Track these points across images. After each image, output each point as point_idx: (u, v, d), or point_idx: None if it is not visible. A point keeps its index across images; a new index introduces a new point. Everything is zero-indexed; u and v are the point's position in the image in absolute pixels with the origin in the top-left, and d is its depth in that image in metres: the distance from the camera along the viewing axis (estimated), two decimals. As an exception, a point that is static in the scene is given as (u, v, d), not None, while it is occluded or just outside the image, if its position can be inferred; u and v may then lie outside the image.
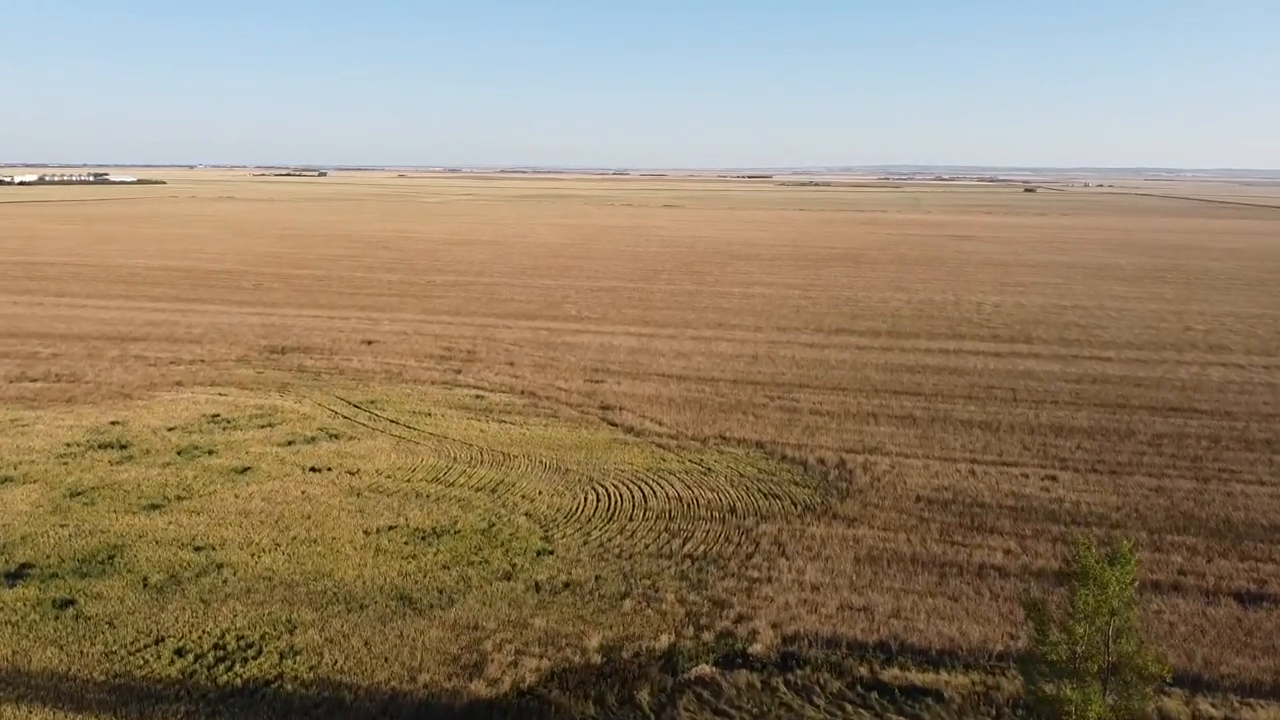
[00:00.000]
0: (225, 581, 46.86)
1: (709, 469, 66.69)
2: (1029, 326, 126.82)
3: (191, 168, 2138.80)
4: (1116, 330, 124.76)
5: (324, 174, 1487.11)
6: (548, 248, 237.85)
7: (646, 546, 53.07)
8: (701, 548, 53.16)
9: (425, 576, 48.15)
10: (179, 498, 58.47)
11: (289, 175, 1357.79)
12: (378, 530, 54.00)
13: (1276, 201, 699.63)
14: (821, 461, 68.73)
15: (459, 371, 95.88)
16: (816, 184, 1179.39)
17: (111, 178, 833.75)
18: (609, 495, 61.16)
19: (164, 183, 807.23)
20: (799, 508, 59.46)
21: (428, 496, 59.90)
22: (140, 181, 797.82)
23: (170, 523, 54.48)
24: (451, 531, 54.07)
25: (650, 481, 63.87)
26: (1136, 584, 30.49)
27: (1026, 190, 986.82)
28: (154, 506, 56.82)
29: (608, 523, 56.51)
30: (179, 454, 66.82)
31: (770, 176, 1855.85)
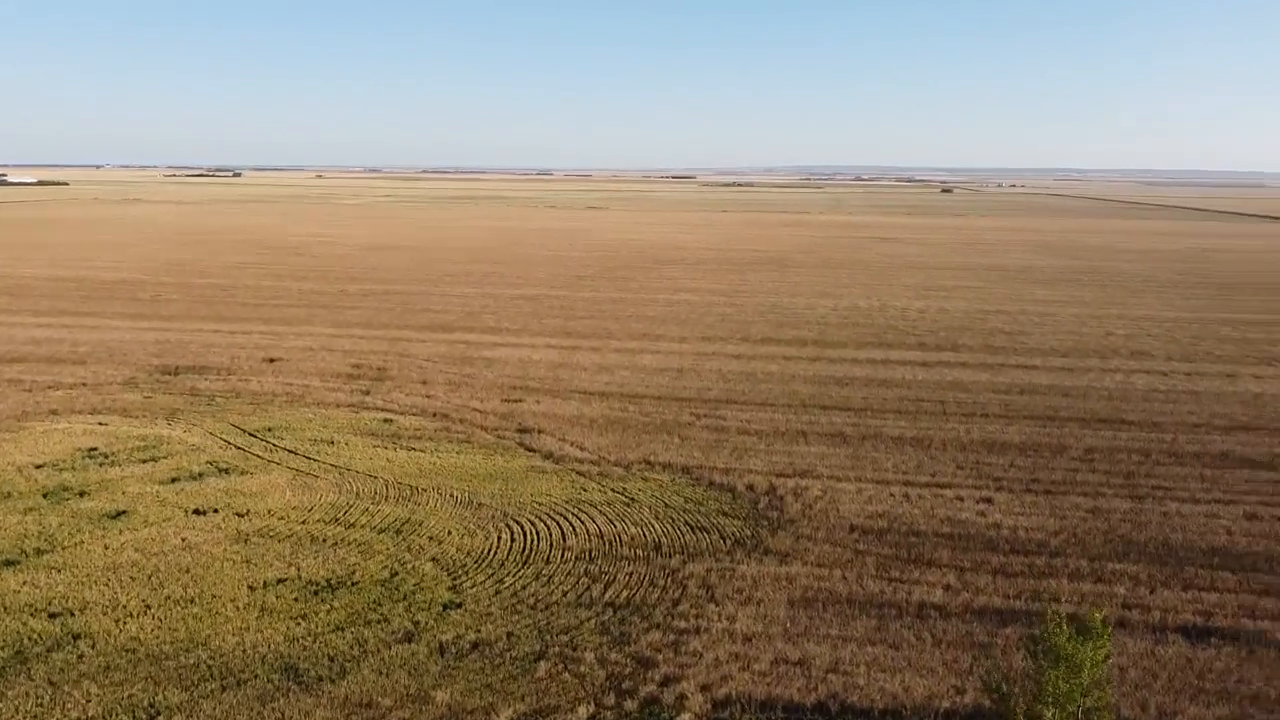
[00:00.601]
0: (81, 657, 41.05)
1: (633, 499, 62.63)
2: (954, 334, 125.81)
3: (98, 168, 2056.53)
4: (1040, 336, 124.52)
5: (239, 174, 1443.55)
6: (468, 253, 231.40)
7: (564, 594, 48.73)
8: (624, 594, 49.04)
9: (315, 641, 43.02)
10: (39, 551, 52.09)
11: (202, 176, 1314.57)
12: (265, 584, 48.57)
13: (1178, 202, 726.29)
14: (751, 487, 65.24)
15: (367, 392, 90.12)
16: (740, 184, 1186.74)
17: (10, 179, 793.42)
18: (525, 533, 56.64)
19: (67, 184, 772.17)
20: (728, 543, 55.76)
21: (324, 541, 54.57)
22: (41, 183, 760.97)
23: (25, 583, 48.22)
24: (349, 584, 48.95)
25: (570, 515, 59.54)
26: (1110, 659, 27.47)
27: (944, 191, 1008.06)
28: (8, 563, 50.41)
29: (523, 566, 51.99)
30: (45, 497, 60.12)
31: (694, 177, 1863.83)
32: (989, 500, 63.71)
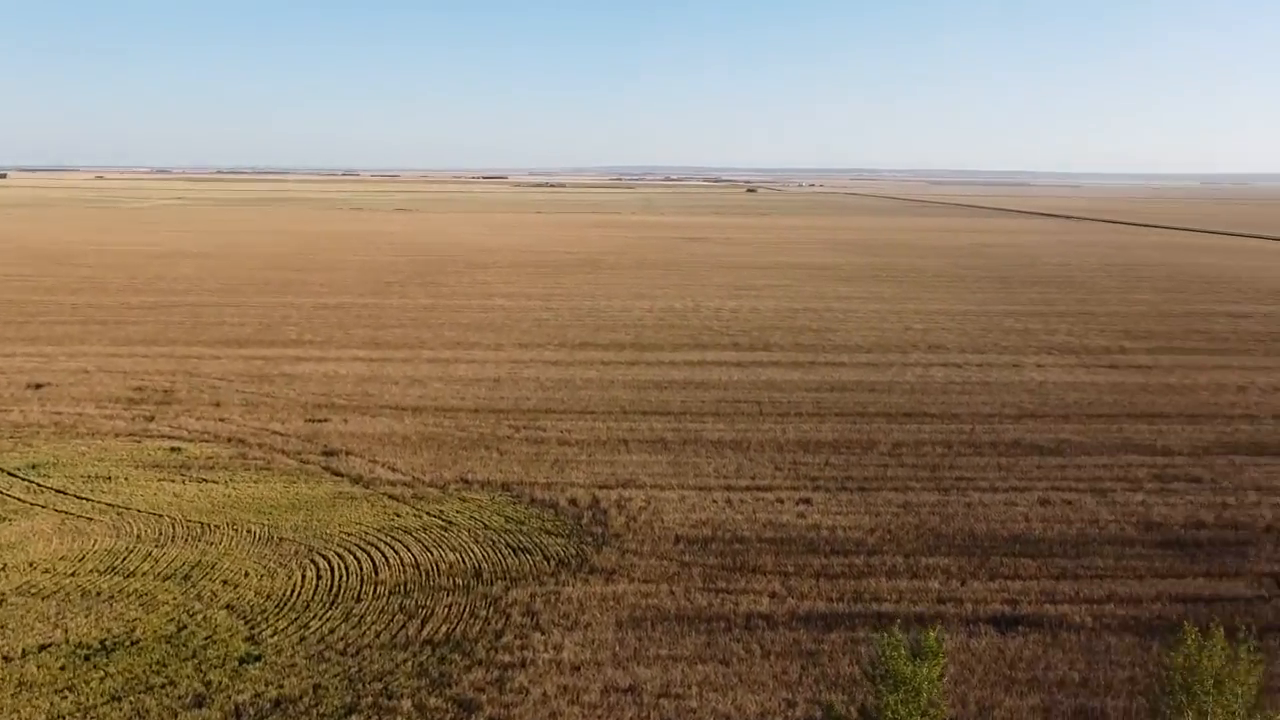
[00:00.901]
0: None
1: (450, 522, 59.45)
2: (766, 333, 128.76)
3: None
4: (846, 333, 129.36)
5: (3, 175, 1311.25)
6: (266, 259, 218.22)
7: (377, 635, 45.21)
8: (443, 628, 46.04)
9: (86, 717, 37.71)
10: None
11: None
12: (24, 653, 42.38)
13: (959, 200, 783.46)
14: (574, 502, 63.41)
15: (151, 418, 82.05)
16: (552, 185, 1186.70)
17: None
18: (332, 569, 52.46)
19: None
20: (552, 563, 53.67)
21: (98, 595, 48.48)
22: None
23: None
24: (127, 644, 43.48)
25: (382, 545, 55.74)
26: (943, 677, 27.34)
27: (749, 191, 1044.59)
28: None
29: (330, 607, 47.96)
30: None
31: (506, 177, 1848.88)
32: (807, 501, 64.60)
